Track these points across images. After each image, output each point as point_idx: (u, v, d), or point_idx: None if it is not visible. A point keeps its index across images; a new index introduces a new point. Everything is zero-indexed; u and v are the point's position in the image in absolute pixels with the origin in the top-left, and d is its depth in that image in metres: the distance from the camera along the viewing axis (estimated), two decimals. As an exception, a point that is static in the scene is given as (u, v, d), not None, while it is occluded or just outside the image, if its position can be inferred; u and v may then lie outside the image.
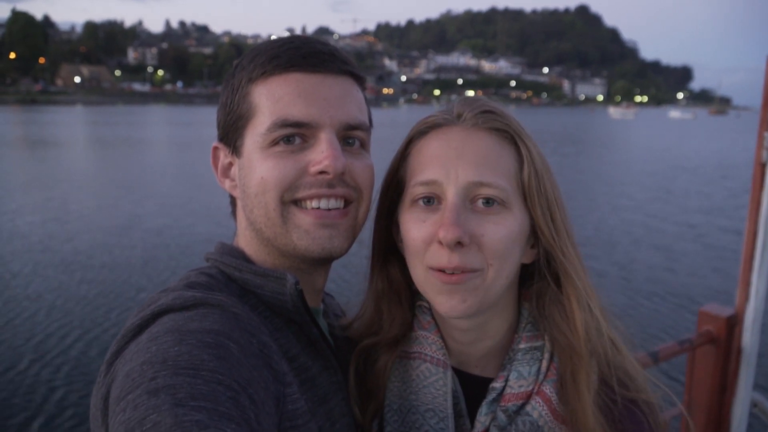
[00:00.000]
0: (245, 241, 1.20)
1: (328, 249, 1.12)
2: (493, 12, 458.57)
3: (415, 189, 1.11)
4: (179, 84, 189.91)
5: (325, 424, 1.09)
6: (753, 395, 3.17)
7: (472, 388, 1.16)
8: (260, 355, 0.94)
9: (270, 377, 0.93)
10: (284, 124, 1.08)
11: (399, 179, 1.18)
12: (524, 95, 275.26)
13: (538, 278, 1.15)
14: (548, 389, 1.08)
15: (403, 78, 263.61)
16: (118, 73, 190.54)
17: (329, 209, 1.12)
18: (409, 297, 1.24)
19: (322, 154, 1.09)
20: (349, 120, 1.13)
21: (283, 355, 1.05)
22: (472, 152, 1.07)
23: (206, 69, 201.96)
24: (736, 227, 17.25)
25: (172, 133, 56.99)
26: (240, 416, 0.79)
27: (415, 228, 1.09)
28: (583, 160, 38.52)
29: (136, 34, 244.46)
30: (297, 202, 1.11)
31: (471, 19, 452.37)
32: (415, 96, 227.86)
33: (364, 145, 1.20)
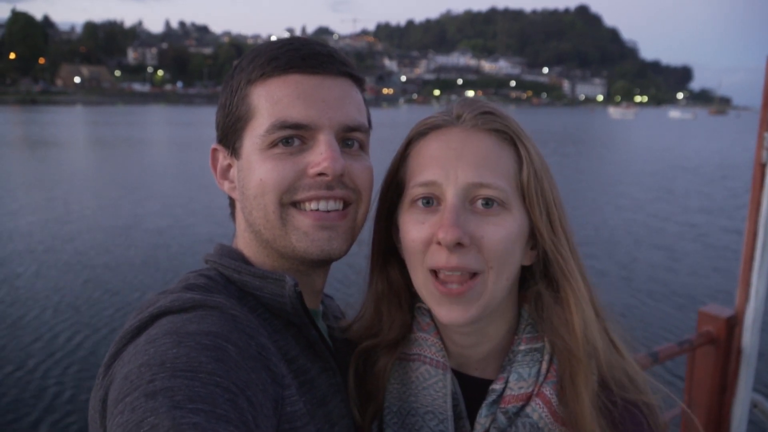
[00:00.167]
0: (244, 243, 1.19)
1: (327, 251, 1.12)
2: (493, 12, 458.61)
3: (414, 190, 1.11)
4: (179, 84, 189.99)
5: (324, 426, 1.09)
6: (753, 396, 3.16)
7: (472, 390, 1.16)
8: (259, 358, 0.94)
9: (268, 379, 0.93)
10: (283, 125, 1.08)
11: (398, 180, 1.18)
12: (524, 95, 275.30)
13: (537, 280, 1.15)
14: (548, 391, 1.08)
15: (403, 78, 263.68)
16: (118, 73, 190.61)
17: (328, 211, 1.11)
18: (409, 299, 1.24)
19: (320, 155, 1.09)
20: (348, 121, 1.13)
21: (281, 357, 1.04)
22: (472, 153, 1.07)
23: (206, 69, 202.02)
24: (737, 227, 17.26)
25: (173, 133, 56.99)
26: (238, 419, 0.79)
27: (415, 229, 1.09)
28: (583, 161, 38.52)
29: (136, 34, 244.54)
30: (296, 204, 1.11)
31: (471, 19, 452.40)
32: (415, 96, 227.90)
33: (363, 147, 1.20)
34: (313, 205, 1.11)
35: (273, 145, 1.09)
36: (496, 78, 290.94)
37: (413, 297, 1.23)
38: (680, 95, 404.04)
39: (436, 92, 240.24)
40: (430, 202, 1.09)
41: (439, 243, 1.04)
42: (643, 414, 1.08)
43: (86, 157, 36.05)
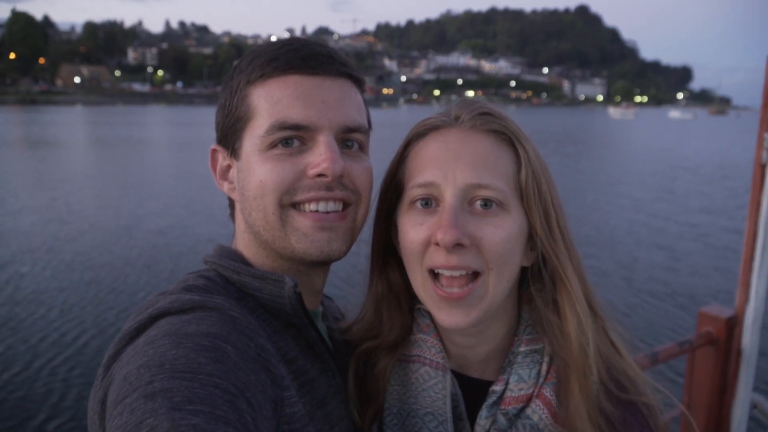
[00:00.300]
0: (244, 244, 1.19)
1: (327, 252, 1.12)
2: (493, 12, 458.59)
3: (412, 191, 1.10)
4: (179, 84, 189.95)
5: (324, 428, 1.09)
6: (753, 396, 3.16)
7: (472, 392, 1.16)
8: (258, 359, 0.94)
9: (267, 380, 0.93)
10: (282, 126, 1.08)
11: (397, 182, 1.18)
12: (524, 95, 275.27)
13: (535, 281, 1.15)
14: (548, 392, 1.08)
15: (403, 78, 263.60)
16: (118, 73, 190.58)
17: (328, 212, 1.11)
18: (409, 300, 1.24)
19: (320, 156, 1.08)
20: (348, 122, 1.13)
21: (281, 358, 1.04)
22: (470, 154, 1.07)
23: (206, 69, 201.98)
24: (738, 227, 17.26)
25: (173, 133, 57.00)
26: (237, 420, 0.78)
27: (413, 231, 1.09)
28: (584, 161, 38.53)
29: (136, 34, 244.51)
30: (295, 205, 1.11)
31: (471, 19, 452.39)
32: (414, 96, 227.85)
33: (362, 148, 1.19)
34: (312, 206, 1.10)
35: (272, 146, 1.09)
36: (496, 78, 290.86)
37: (413, 298, 1.23)
38: (680, 95, 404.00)
39: (436, 92, 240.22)
40: (429, 203, 1.09)
41: (437, 244, 1.04)
42: (643, 415, 1.08)
43: (87, 157, 36.06)
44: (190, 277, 1.11)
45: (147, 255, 13.18)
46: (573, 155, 41.20)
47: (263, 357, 0.95)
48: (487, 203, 1.05)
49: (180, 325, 0.90)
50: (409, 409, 1.17)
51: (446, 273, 1.05)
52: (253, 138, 1.11)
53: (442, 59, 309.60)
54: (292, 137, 1.09)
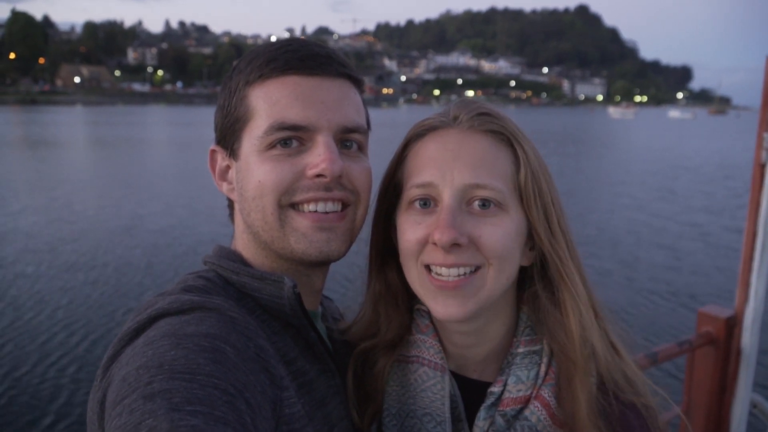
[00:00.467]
0: (243, 244, 1.19)
1: (326, 252, 1.12)
2: (492, 12, 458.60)
3: (411, 191, 1.10)
4: (179, 84, 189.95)
5: (323, 428, 1.09)
6: (752, 396, 3.16)
7: (471, 392, 1.16)
8: (257, 359, 0.94)
9: (267, 381, 0.93)
10: (281, 127, 1.08)
11: (396, 182, 1.18)
12: (524, 95, 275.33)
13: (535, 281, 1.15)
14: (547, 393, 1.08)
15: (403, 78, 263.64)
16: (117, 73, 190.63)
17: (327, 212, 1.11)
18: (407, 300, 1.24)
19: (319, 157, 1.08)
20: (347, 123, 1.13)
21: (280, 358, 1.04)
22: (469, 154, 1.07)
23: (206, 69, 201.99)
24: (740, 226, 17.25)
25: (173, 133, 56.99)
26: (236, 420, 0.78)
27: (411, 230, 1.09)
28: (584, 160, 38.53)
29: (135, 34, 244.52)
30: (294, 206, 1.11)
31: (471, 19, 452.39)
32: (414, 96, 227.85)
33: (361, 148, 1.20)
34: (311, 207, 1.10)
35: (271, 146, 1.09)
36: (496, 78, 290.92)
37: (411, 298, 1.23)
38: (680, 95, 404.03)
39: (436, 92, 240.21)
40: (427, 203, 1.09)
41: (435, 243, 1.04)
42: (642, 415, 1.08)
43: (87, 157, 36.06)
44: (190, 277, 1.11)
45: (148, 255, 13.18)
46: (573, 155, 41.20)
47: (262, 357, 0.95)
48: (485, 203, 1.05)
49: (179, 326, 0.90)
50: (407, 409, 1.17)
51: (444, 273, 1.05)
52: (251, 138, 1.11)
53: (441, 59, 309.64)
54: (290, 138, 1.09)
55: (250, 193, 1.11)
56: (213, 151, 1.22)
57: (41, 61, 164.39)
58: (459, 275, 1.04)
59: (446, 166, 1.07)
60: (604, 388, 1.08)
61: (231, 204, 1.24)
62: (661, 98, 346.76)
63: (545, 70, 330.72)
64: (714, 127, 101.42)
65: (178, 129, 62.64)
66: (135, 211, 18.07)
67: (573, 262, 1.10)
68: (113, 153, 37.31)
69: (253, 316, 1.07)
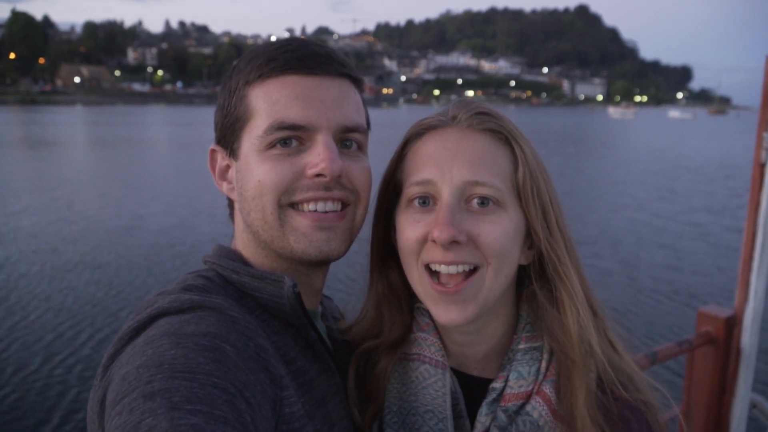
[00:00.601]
0: (243, 244, 1.19)
1: (326, 252, 1.12)
2: (492, 12, 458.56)
3: (410, 189, 1.11)
4: (179, 84, 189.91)
5: (323, 427, 1.09)
6: (752, 396, 3.16)
7: (472, 389, 1.16)
8: (257, 358, 0.94)
9: (267, 380, 0.93)
10: (281, 126, 1.08)
11: (396, 182, 1.19)
12: (524, 95, 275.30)
13: (534, 280, 1.15)
14: (548, 389, 1.08)
15: (403, 78, 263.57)
16: (117, 73, 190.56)
17: (326, 212, 1.11)
18: (409, 300, 1.24)
19: (318, 156, 1.08)
20: (346, 122, 1.13)
21: (280, 358, 1.04)
22: (467, 152, 1.08)
23: (206, 69, 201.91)
24: (740, 226, 17.22)
25: (174, 133, 56.99)
26: (236, 419, 0.78)
27: (410, 228, 1.09)
28: (585, 160, 38.55)
29: (135, 34, 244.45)
30: (294, 205, 1.11)
31: (471, 19, 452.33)
32: (414, 96, 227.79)
33: (361, 148, 1.20)
34: (311, 206, 1.10)
35: (271, 146, 1.09)
36: (496, 78, 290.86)
37: (413, 298, 1.23)
38: (680, 95, 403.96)
39: (436, 92, 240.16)
40: (427, 202, 1.09)
41: (434, 241, 1.04)
42: (641, 412, 1.09)
43: (88, 157, 36.05)
44: (189, 276, 1.11)
45: (149, 255, 13.19)
46: (573, 155, 41.21)
47: (262, 357, 0.95)
48: (483, 201, 1.05)
49: (179, 325, 0.90)
50: (409, 407, 1.17)
51: (444, 270, 1.05)
52: (251, 138, 1.11)
53: (441, 59, 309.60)
54: (290, 137, 1.09)
55: (250, 192, 1.11)
56: (213, 151, 1.22)
57: (41, 61, 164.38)
58: (458, 272, 1.05)
59: (445, 164, 1.07)
60: (604, 386, 1.08)
61: (231, 203, 1.24)
62: (661, 98, 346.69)
63: (545, 70, 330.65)
64: (714, 127, 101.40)
65: (179, 129, 62.63)
66: (136, 211, 18.06)
67: (571, 261, 1.11)
68: (114, 153, 37.31)
69: (253, 315, 1.07)
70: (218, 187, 1.23)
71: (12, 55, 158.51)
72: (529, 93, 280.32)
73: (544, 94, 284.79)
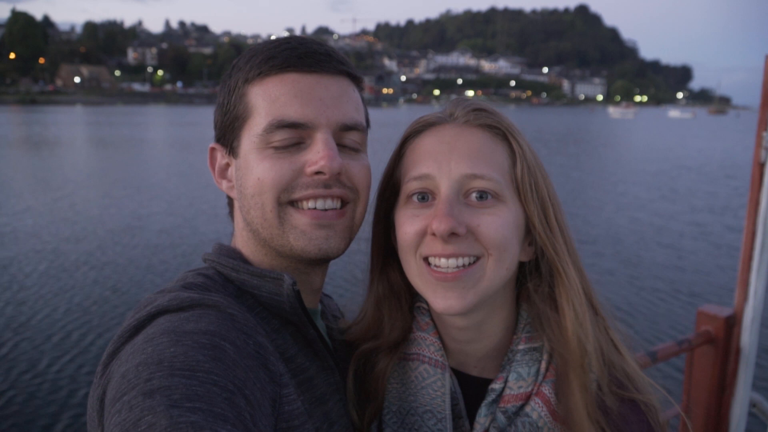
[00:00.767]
0: (242, 242, 1.19)
1: (325, 249, 1.12)
2: (492, 12, 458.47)
3: (409, 184, 1.11)
4: (179, 84, 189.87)
5: (323, 425, 1.09)
6: (752, 395, 3.16)
7: (472, 389, 1.16)
8: (256, 356, 0.93)
9: (266, 378, 0.93)
10: (280, 124, 1.08)
11: (395, 180, 1.19)
12: (524, 95, 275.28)
13: (533, 276, 1.15)
14: (547, 390, 1.07)
15: (403, 78, 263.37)
16: (117, 73, 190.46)
17: (326, 210, 1.11)
18: (410, 300, 1.24)
19: (318, 154, 1.08)
20: (346, 120, 1.13)
21: (280, 356, 1.04)
22: (465, 146, 1.07)
23: (206, 69, 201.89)
24: (742, 226, 17.21)
25: (174, 133, 56.93)
26: (235, 417, 0.78)
27: (408, 222, 1.09)
28: (585, 160, 38.53)
29: (135, 34, 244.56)
30: (293, 203, 1.11)
31: (471, 18, 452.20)
32: (414, 96, 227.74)
33: (361, 145, 1.20)
34: (310, 204, 1.10)
35: (270, 144, 1.09)
36: (496, 78, 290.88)
37: (413, 297, 1.23)
38: (680, 95, 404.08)
39: (436, 92, 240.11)
40: (425, 197, 1.09)
41: (433, 234, 1.04)
42: (642, 412, 1.08)
43: (89, 157, 35.99)
44: (189, 274, 1.11)
45: (151, 254, 13.18)
46: (574, 155, 41.20)
47: (262, 354, 0.95)
48: (482, 195, 1.05)
49: (178, 323, 0.90)
50: (408, 407, 1.17)
51: (443, 264, 1.04)
52: (251, 136, 1.11)
53: (441, 59, 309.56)
54: (290, 136, 1.09)
55: (250, 190, 1.11)
56: (213, 149, 1.22)
57: (41, 61, 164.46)
58: (458, 266, 1.04)
59: (443, 158, 1.07)
60: (605, 385, 1.08)
61: (231, 202, 1.24)
62: (661, 98, 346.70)
63: (545, 70, 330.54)
64: (714, 127, 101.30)
65: (179, 129, 62.58)
66: (138, 211, 18.05)
67: (570, 257, 1.10)
68: (114, 153, 37.27)
69: (253, 313, 1.07)
70: (218, 185, 1.23)
71: (12, 55, 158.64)
72: (529, 93, 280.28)
73: (544, 94, 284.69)
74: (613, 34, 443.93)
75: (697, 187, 26.53)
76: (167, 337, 0.87)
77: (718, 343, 3.07)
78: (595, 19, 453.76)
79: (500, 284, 1.08)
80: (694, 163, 36.89)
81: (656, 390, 1.12)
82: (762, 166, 2.94)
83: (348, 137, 1.15)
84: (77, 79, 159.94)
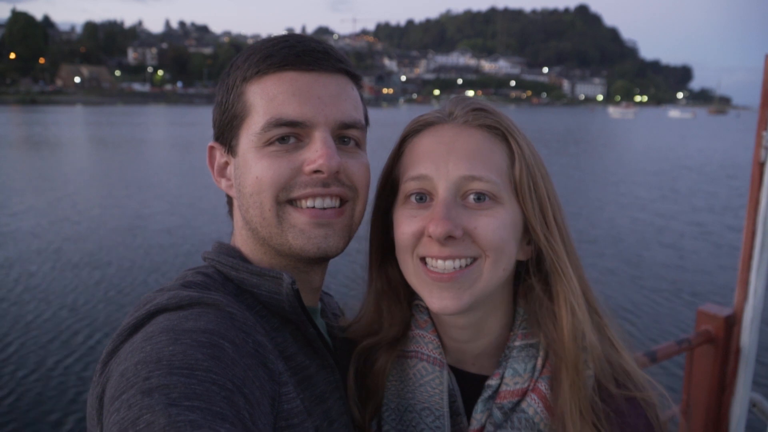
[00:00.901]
0: (242, 241, 1.19)
1: (324, 248, 1.12)
2: (492, 12, 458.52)
3: (407, 184, 1.11)
4: (179, 84, 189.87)
5: (323, 423, 1.09)
6: (751, 395, 3.16)
7: (469, 386, 1.16)
8: (255, 355, 0.93)
9: (265, 377, 0.93)
10: (278, 123, 1.08)
11: (393, 179, 1.19)
12: (524, 95, 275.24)
13: (531, 275, 1.15)
14: (544, 386, 1.08)
15: (403, 78, 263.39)
16: (118, 73, 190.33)
17: (324, 208, 1.11)
18: (408, 296, 1.24)
19: (316, 153, 1.08)
20: (344, 118, 1.12)
21: (279, 354, 1.04)
22: (463, 147, 1.07)
23: (206, 69, 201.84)
24: (743, 225, 17.22)
25: (175, 133, 56.93)
26: (234, 416, 0.78)
27: (406, 223, 1.09)
28: (587, 160, 38.53)
29: (136, 34, 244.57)
30: (292, 202, 1.10)
31: (471, 18, 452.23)
32: (414, 96, 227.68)
33: (359, 144, 1.19)
34: (309, 203, 1.10)
35: (269, 142, 1.09)
36: (496, 78, 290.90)
37: (412, 294, 1.23)
38: (680, 95, 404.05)
39: (436, 92, 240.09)
40: (423, 198, 1.09)
41: (430, 236, 1.04)
42: (643, 410, 1.08)
43: (90, 157, 35.99)
44: (189, 273, 1.11)
45: (154, 254, 13.19)
46: (575, 155, 41.20)
47: (261, 353, 0.95)
48: (480, 197, 1.05)
49: (177, 322, 0.90)
50: (406, 404, 1.17)
51: (440, 265, 1.05)
52: (249, 135, 1.11)
53: (441, 59, 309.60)
54: (288, 134, 1.09)
55: (248, 189, 1.11)
56: (211, 148, 1.22)
57: (41, 61, 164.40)
58: (455, 268, 1.04)
59: (441, 158, 1.07)
60: (604, 383, 1.08)
61: (230, 200, 1.24)
62: (661, 98, 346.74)
63: (545, 70, 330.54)
64: (714, 127, 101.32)
65: (179, 129, 62.58)
66: (139, 211, 18.05)
67: (568, 256, 1.10)
68: (115, 153, 37.26)
69: (252, 312, 1.07)
70: (217, 184, 1.23)
71: (12, 55, 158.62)
72: (529, 93, 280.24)
73: (544, 94, 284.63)
74: (613, 34, 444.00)
75: (698, 186, 26.54)
76: (166, 335, 0.86)
77: (718, 343, 3.07)
78: (595, 19, 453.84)
79: (497, 285, 1.08)
80: (694, 163, 36.89)
81: (654, 387, 1.13)
82: (762, 165, 2.94)
83: (347, 135, 1.15)
84: (77, 79, 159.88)
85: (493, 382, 1.11)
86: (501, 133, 1.10)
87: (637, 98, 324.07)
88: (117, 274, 11.70)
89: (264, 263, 1.16)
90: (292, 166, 1.09)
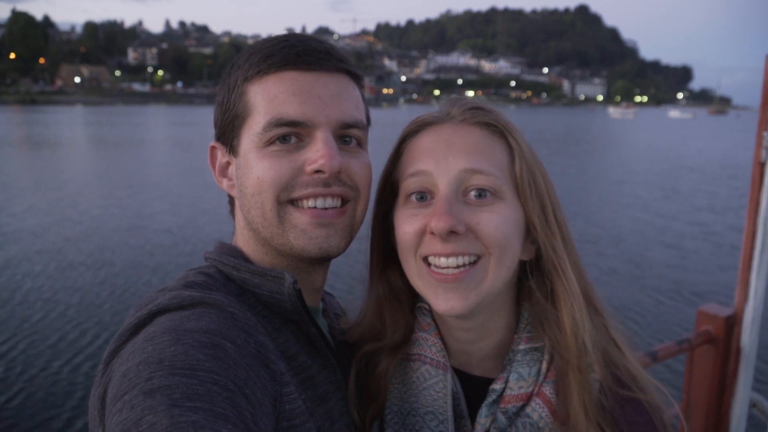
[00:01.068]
0: (243, 241, 1.19)
1: (325, 248, 1.11)
2: (492, 12, 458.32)
3: (407, 182, 1.10)
4: (179, 84, 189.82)
5: (325, 424, 1.08)
6: (752, 395, 3.16)
7: (474, 389, 1.15)
8: (257, 355, 0.93)
9: (267, 377, 0.92)
10: (279, 123, 1.07)
11: (393, 181, 1.18)
12: (524, 95, 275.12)
13: (534, 274, 1.14)
14: (548, 390, 1.07)
15: (403, 78, 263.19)
16: (118, 73, 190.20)
17: (326, 208, 1.11)
18: (410, 301, 1.23)
19: (317, 153, 1.08)
20: (345, 118, 1.12)
21: (281, 354, 1.04)
22: (463, 143, 1.07)
23: (206, 69, 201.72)
24: (743, 225, 17.23)
25: (175, 133, 56.93)
26: (236, 416, 0.78)
27: (407, 222, 1.08)
28: (587, 160, 38.53)
29: (136, 34, 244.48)
30: (293, 202, 1.10)
31: (471, 19, 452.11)
32: (415, 96, 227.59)
33: (361, 144, 1.19)
34: (310, 203, 1.10)
35: (270, 142, 1.09)
36: (496, 78, 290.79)
37: (414, 298, 1.22)
38: (680, 95, 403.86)
39: (436, 92, 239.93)
40: (424, 197, 1.08)
41: (432, 233, 1.03)
42: (647, 411, 1.07)
43: (91, 157, 35.99)
44: (190, 273, 1.11)
45: (154, 254, 13.20)
46: (575, 155, 41.20)
47: (262, 353, 0.95)
48: (481, 193, 1.04)
49: (179, 322, 0.90)
50: (409, 407, 1.16)
51: (443, 263, 1.03)
52: (250, 135, 1.10)
53: (442, 59, 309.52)
54: (289, 134, 1.09)
55: (250, 189, 1.11)
56: (213, 148, 1.22)
57: (41, 61, 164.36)
58: (459, 266, 1.03)
59: (440, 154, 1.07)
60: (608, 385, 1.07)
61: (231, 200, 1.23)
62: (661, 98, 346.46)
63: (545, 70, 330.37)
64: (715, 127, 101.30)
65: (180, 129, 62.57)
66: (140, 211, 18.06)
67: (568, 255, 1.09)
68: (116, 153, 37.26)
69: (254, 312, 1.07)
70: (218, 184, 1.22)
71: (12, 55, 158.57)
72: (530, 93, 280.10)
73: (544, 94, 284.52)
74: (613, 34, 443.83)
75: (698, 186, 26.54)
76: (168, 335, 0.86)
77: (719, 343, 3.07)
78: (595, 19, 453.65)
79: (502, 284, 1.07)
80: (694, 163, 36.88)
81: (658, 390, 1.12)
82: (762, 165, 2.94)
83: (348, 135, 1.15)
84: (77, 79, 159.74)
85: (497, 386, 1.10)
86: (499, 130, 1.10)
87: (637, 98, 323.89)
88: (120, 274, 11.71)
89: (265, 263, 1.16)
90: (293, 166, 1.08)
